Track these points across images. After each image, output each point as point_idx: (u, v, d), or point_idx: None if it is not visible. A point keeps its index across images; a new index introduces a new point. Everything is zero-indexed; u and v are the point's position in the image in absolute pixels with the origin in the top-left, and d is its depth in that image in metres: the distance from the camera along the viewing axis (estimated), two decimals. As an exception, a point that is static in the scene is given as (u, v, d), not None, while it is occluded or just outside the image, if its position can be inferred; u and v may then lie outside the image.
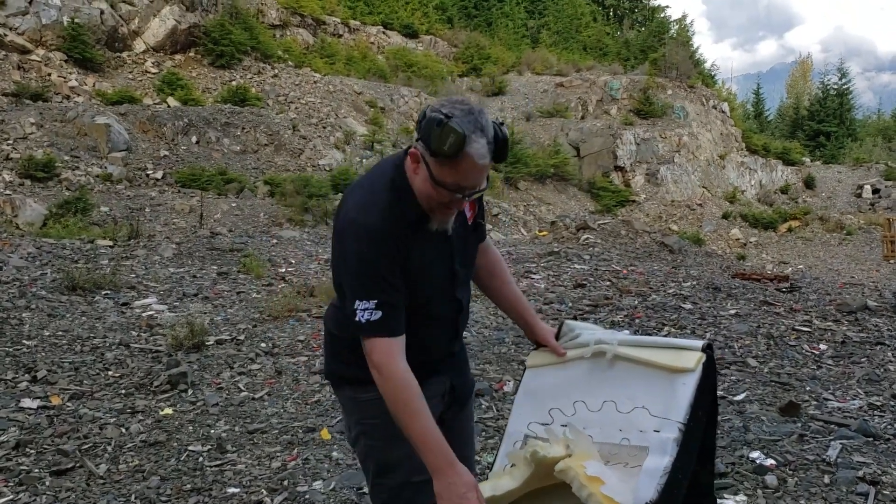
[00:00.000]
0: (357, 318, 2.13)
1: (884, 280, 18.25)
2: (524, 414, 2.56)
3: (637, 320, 7.98)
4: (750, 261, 22.86)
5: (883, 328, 7.73)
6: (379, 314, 2.11)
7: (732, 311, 8.44)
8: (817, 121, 48.75)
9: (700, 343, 2.35)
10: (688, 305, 8.73)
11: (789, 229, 29.99)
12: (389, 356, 2.13)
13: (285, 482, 4.39)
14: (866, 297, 9.73)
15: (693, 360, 2.30)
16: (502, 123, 2.21)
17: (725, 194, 32.59)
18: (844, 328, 7.74)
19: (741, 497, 4.11)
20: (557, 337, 2.63)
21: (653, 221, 27.42)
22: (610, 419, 2.35)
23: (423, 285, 2.26)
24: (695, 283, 10.35)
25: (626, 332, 2.69)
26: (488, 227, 2.73)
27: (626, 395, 2.36)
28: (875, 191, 33.83)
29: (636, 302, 8.86)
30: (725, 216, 30.38)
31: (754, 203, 33.04)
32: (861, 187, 34.29)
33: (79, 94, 20.57)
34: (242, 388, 5.89)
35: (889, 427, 5.16)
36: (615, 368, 2.42)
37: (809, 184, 35.30)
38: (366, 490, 4.25)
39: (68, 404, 5.45)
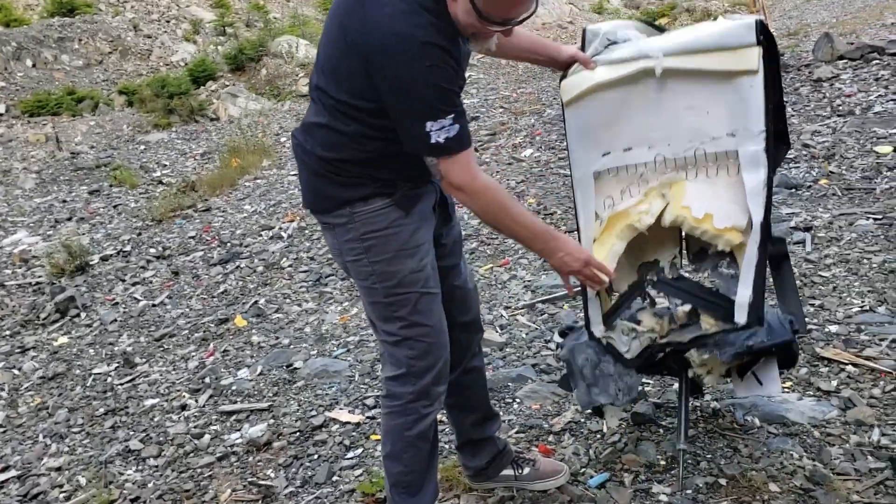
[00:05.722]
0: (433, 141, 1.87)
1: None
2: (585, 155, 2.32)
3: (538, 137, 7.68)
4: (630, 66, 22.80)
5: (777, 88, 7.63)
6: (456, 128, 1.87)
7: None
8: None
9: (751, 31, 2.02)
10: (583, 111, 8.45)
11: (660, 28, 29.99)
12: (471, 170, 1.95)
13: (207, 379, 3.99)
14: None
15: (753, 58, 2.02)
16: None
17: (592, 7, 32.11)
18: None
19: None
20: (583, 49, 2.30)
21: (528, 49, 26.93)
22: (676, 128, 2.17)
23: None
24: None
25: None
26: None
27: (687, 104, 2.14)
28: (734, -28, 33.95)
29: (533, 120, 8.53)
30: (597, 29, 30.10)
31: (622, 9, 32.73)
32: (719, -29, 34.34)
33: None
34: (139, 297, 5.38)
35: (807, 175, 5.06)
36: (668, 82, 2.14)
37: (670, -21, 35.15)
38: (297, 365, 3.93)
39: (-53, 361, 4.86)
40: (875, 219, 4.23)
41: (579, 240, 2.36)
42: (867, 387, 2.91)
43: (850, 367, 3.03)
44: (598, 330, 2.41)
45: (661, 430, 2.79)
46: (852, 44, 8.92)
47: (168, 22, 21.90)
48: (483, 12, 1.81)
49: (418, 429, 2.19)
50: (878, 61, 7.50)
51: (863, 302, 3.47)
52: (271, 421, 3.44)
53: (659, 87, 2.15)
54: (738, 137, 2.08)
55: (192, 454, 3.33)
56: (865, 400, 2.82)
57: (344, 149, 2.02)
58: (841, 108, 6.38)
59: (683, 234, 2.38)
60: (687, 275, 2.49)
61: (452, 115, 1.85)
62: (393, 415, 2.22)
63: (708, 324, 2.29)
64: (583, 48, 2.29)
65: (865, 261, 3.80)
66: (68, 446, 3.63)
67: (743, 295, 2.15)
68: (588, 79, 2.23)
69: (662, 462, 2.61)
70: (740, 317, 2.17)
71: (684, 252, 2.48)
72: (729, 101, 2.07)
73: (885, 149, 5.20)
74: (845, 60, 7.95)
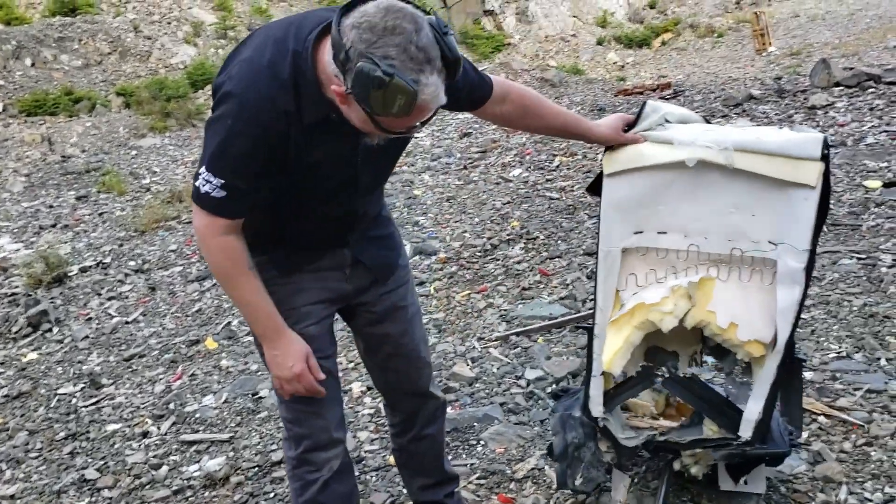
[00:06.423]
0: (197, 184, 1.77)
1: (760, 73, 18.38)
2: (617, 229, 2.16)
3: (528, 156, 7.61)
4: (630, 81, 22.73)
5: (771, 113, 7.56)
6: (222, 194, 1.75)
7: (621, 128, 8.13)
8: (673, -71, 48.13)
9: (818, 146, 1.95)
10: (576, 131, 8.37)
11: (663, 43, 29.90)
12: (213, 228, 1.81)
13: (171, 405, 3.92)
14: (749, 88, 9.57)
15: (814, 173, 1.96)
16: (445, 29, 1.68)
17: (597, 20, 32.13)
18: (734, 121, 7.54)
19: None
20: (637, 121, 2.15)
21: (531, 61, 26.89)
22: (717, 224, 2.09)
23: (311, 188, 1.87)
24: (579, 108, 10.01)
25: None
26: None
27: (734, 202, 2.07)
28: (739, -12, 33.93)
29: (524, 139, 8.46)
30: (600, 42, 30.04)
31: (626, 24, 32.73)
32: (725, -13, 34.32)
33: None
34: (114, 313, 5.30)
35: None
36: (720, 176, 2.06)
37: (675, -7, 35.12)
38: (262, 394, 3.85)
39: (-86, 374, 4.78)
40: (859, 258, 4.16)
41: (594, 317, 2.24)
42: (838, 440, 2.82)
43: (822, 418, 2.95)
44: (598, 410, 2.32)
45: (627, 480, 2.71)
46: (851, 68, 8.86)
47: (169, 24, 21.87)
48: (382, 125, 1.65)
49: (307, 496, 2.07)
50: (873, 90, 7.43)
51: (840, 347, 3.39)
52: (231, 454, 3.35)
53: (709, 179, 2.06)
54: (779, 249, 2.03)
55: (147, 486, 3.25)
56: (835, 454, 2.74)
57: None
58: (833, 138, 6.30)
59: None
60: (703, 369, 2.43)
61: (223, 182, 1.73)
62: (288, 479, 2.17)
63: (710, 430, 2.25)
64: (636, 121, 2.15)
65: (846, 303, 3.72)
66: (24, 472, 3.55)
67: (752, 410, 2.15)
68: (639, 156, 2.10)
69: (625, 516, 2.53)
70: (745, 431, 2.17)
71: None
72: (778, 210, 2.01)
73: (875, 183, 5.12)
74: (841, 87, 7.88)
